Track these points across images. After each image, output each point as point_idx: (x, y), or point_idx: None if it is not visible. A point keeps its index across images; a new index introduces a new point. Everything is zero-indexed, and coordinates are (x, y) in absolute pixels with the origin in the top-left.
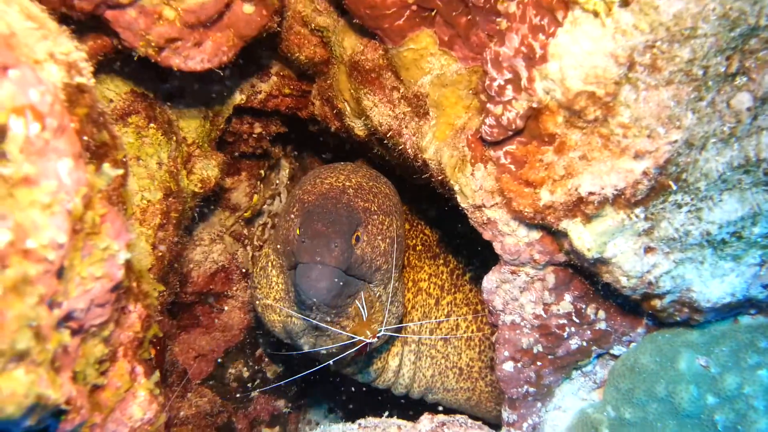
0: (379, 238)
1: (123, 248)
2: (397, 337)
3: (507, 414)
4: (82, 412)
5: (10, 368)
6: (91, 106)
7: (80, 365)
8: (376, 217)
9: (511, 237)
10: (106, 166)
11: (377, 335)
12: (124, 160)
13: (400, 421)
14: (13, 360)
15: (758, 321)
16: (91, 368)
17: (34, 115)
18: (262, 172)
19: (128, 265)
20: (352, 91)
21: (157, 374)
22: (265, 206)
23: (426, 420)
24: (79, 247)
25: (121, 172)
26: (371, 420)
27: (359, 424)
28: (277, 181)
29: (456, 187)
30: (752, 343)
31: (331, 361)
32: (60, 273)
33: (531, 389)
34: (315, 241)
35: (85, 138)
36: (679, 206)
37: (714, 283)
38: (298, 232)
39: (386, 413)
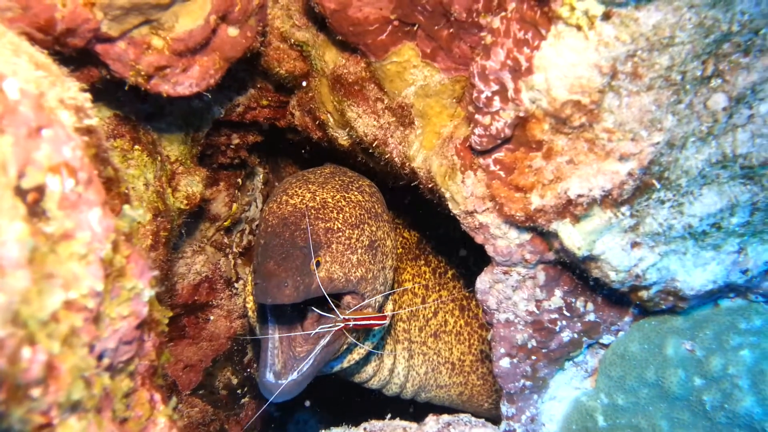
0: (348, 252)
1: (147, 286)
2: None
3: (506, 408)
4: None
5: (66, 418)
6: (98, 145)
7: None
8: (340, 234)
9: (503, 239)
10: (127, 208)
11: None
12: (127, 191)
13: (405, 423)
14: (68, 410)
15: (737, 304)
16: (120, 403)
17: (68, 171)
18: (240, 180)
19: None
20: (335, 103)
21: (174, 400)
22: (242, 214)
23: (432, 421)
24: (109, 290)
25: (140, 212)
26: (375, 423)
27: (364, 428)
28: (252, 188)
29: (447, 195)
30: (733, 325)
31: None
32: (96, 319)
33: (527, 383)
34: (266, 283)
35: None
36: (663, 202)
37: (697, 272)
38: (257, 261)
39: (389, 415)
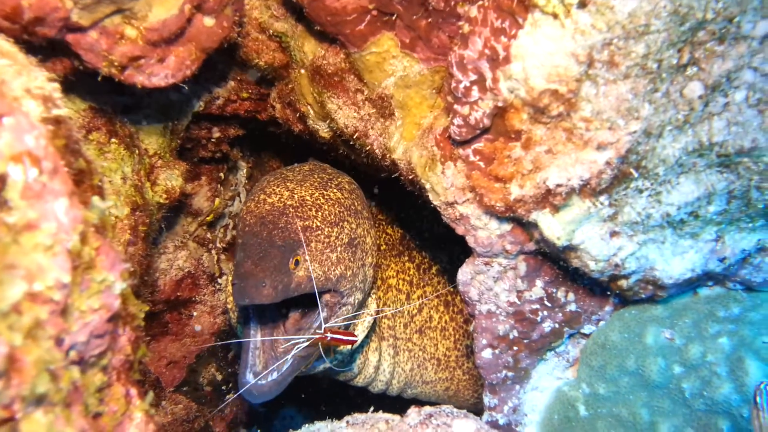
0: (328, 251)
1: (118, 279)
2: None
3: (488, 399)
4: None
5: (30, 411)
6: (68, 136)
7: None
8: (319, 232)
9: (484, 230)
10: (96, 200)
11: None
12: (100, 184)
13: (388, 415)
14: (32, 404)
15: (716, 292)
16: (92, 398)
17: (32, 160)
18: (222, 175)
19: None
20: (315, 94)
21: (151, 395)
22: (225, 209)
23: (413, 413)
24: (78, 282)
25: (111, 203)
26: (358, 416)
27: (347, 422)
28: (236, 182)
29: (427, 186)
30: (712, 314)
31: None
32: (64, 311)
33: (509, 373)
34: (243, 283)
35: (66, 169)
36: (641, 191)
37: (675, 261)
38: (235, 261)
39: (371, 408)
